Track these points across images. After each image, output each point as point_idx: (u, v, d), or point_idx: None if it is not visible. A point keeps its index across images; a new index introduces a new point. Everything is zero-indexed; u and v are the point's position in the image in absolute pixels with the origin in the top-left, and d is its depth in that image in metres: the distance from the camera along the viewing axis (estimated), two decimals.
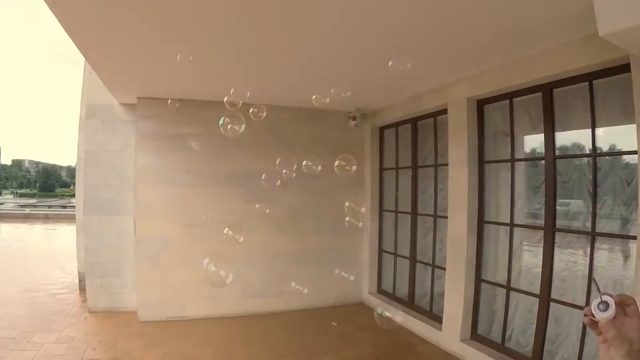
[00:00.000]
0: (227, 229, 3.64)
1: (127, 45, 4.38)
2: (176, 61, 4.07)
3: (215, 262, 3.14)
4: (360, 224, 3.71)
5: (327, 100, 3.40)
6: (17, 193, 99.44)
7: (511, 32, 3.80)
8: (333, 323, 6.05)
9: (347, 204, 3.29)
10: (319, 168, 3.26)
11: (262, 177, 3.48)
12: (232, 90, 3.34)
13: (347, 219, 3.50)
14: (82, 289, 7.70)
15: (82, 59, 6.13)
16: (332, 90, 3.48)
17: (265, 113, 3.30)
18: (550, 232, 4.26)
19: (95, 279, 6.77)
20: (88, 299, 6.82)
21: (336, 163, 3.13)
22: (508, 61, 4.53)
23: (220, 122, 2.90)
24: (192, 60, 3.81)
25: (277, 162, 3.37)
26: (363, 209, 6.78)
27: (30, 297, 7.57)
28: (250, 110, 3.24)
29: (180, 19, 3.67)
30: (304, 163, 3.25)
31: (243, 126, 2.93)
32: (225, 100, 3.15)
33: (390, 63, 2.93)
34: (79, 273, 8.12)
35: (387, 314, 2.35)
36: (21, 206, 36.28)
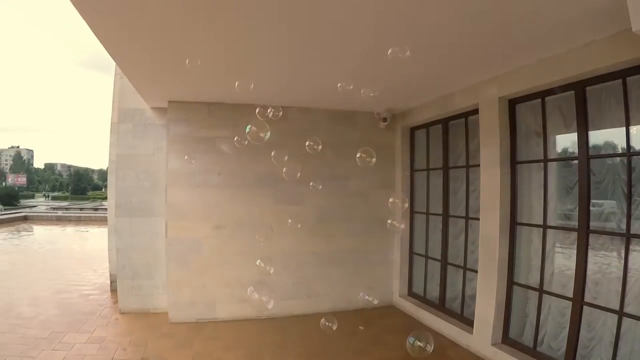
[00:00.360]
0: (259, 260, 3.78)
1: (157, 50, 4.55)
2: (205, 66, 4.24)
3: (258, 289, 3.30)
4: (402, 226, 3.80)
5: (351, 87, 3.49)
6: (49, 196, 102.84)
7: (542, 30, 3.82)
8: (360, 327, 6.11)
9: (391, 199, 3.36)
10: (320, 147, 3.37)
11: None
12: (236, 83, 3.48)
13: (389, 221, 3.57)
14: (113, 290, 8.00)
15: (112, 65, 6.39)
16: (362, 91, 3.57)
17: (281, 112, 3.42)
18: (584, 233, 4.26)
19: (126, 280, 7.03)
20: (119, 300, 7.07)
21: (357, 155, 3.25)
22: (539, 59, 4.55)
23: (247, 130, 3.04)
24: (201, 64, 3.90)
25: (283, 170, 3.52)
26: (406, 205, 6.81)
27: (62, 297, 7.88)
28: (269, 111, 3.38)
29: (210, 23, 3.81)
30: (306, 144, 3.34)
31: (268, 134, 3.08)
32: (257, 111, 3.29)
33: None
34: (110, 274, 8.45)
35: (419, 343, 2.46)
36: (54, 209, 37.58)
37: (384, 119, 7.42)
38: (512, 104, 5.21)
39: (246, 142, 3.11)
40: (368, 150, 3.28)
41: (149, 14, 3.59)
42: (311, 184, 3.69)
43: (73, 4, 3.24)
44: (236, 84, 3.42)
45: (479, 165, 5.58)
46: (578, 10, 3.37)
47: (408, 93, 6.44)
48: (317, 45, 4.44)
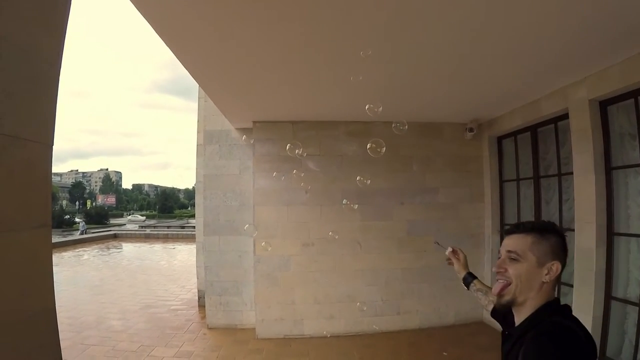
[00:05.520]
0: None
1: (242, 73, 4.99)
2: (290, 87, 4.55)
3: None
4: (355, 206, 4.01)
5: (380, 108, 3.74)
6: (132, 213, 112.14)
7: (631, 24, 3.74)
8: (444, 353, 6.19)
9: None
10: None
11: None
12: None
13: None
14: (201, 305, 8.77)
15: (192, 90, 7.00)
16: (366, 107, 3.82)
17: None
18: None
19: (214, 296, 7.66)
20: (207, 316, 7.68)
21: (367, 146, 3.60)
22: (630, 56, 4.49)
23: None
24: (282, 83, 4.14)
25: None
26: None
27: (151, 312, 8.69)
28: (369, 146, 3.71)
29: (294, 46, 4.15)
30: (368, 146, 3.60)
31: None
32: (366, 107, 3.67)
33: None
34: (198, 290, 9.23)
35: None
36: (142, 227, 40.46)
37: (471, 130, 7.56)
38: (604, 106, 5.16)
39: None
40: (377, 141, 3.55)
41: (234, 43, 4.00)
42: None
43: (159, 35, 3.75)
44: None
45: (571, 173, 5.57)
46: None
47: (494, 101, 6.53)
48: (404, 63, 4.69)
